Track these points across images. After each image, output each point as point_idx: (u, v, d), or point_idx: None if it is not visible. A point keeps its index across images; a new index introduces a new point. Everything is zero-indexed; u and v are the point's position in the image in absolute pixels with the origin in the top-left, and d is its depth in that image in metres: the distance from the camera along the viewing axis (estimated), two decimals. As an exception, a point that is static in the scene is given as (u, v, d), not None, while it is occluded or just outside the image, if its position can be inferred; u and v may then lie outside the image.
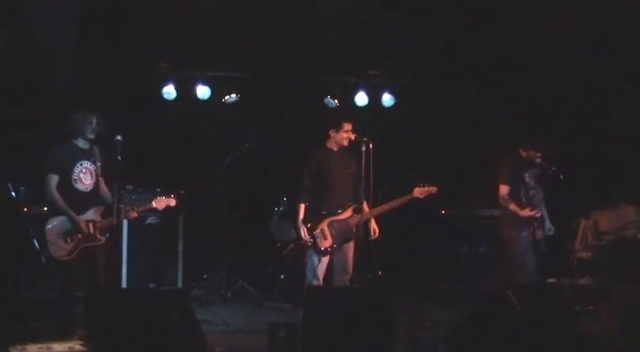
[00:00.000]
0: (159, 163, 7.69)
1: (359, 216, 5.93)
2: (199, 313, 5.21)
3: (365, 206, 5.98)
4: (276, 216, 7.87)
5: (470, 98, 8.05)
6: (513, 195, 6.50)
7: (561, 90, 7.84)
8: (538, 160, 6.54)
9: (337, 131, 6.05)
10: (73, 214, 5.53)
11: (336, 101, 8.14)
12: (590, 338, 5.36)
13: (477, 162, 7.74)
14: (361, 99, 8.25)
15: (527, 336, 4.66)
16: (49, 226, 5.53)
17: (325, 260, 5.99)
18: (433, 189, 6.09)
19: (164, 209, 5.96)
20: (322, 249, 5.94)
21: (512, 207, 6.44)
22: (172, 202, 5.93)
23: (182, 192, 6.25)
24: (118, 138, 5.57)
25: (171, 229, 7.33)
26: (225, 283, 7.45)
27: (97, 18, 6.92)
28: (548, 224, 6.63)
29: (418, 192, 6.07)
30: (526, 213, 6.38)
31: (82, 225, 5.54)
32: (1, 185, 6.68)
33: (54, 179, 5.54)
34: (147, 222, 7.19)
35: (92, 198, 5.68)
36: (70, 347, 5.17)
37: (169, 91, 7.83)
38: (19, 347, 5.10)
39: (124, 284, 6.94)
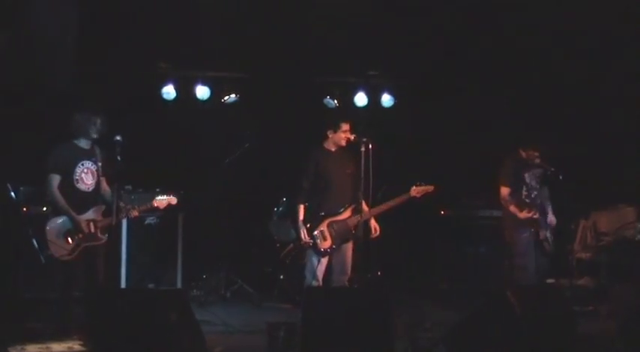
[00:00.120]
0: (158, 163, 7.68)
1: (358, 216, 5.94)
2: (198, 313, 5.21)
3: (364, 206, 5.99)
4: (276, 216, 7.87)
5: (470, 98, 8.04)
6: (514, 196, 6.50)
7: (561, 90, 7.84)
8: (537, 160, 6.55)
9: (335, 131, 6.05)
10: (74, 214, 5.53)
11: (336, 101, 8.14)
12: (589, 339, 5.36)
13: (476, 162, 7.74)
14: (361, 99, 8.24)
15: (527, 336, 4.66)
16: (50, 226, 5.53)
17: (324, 261, 6.00)
18: (430, 188, 6.11)
19: (165, 207, 5.94)
20: (322, 249, 5.95)
21: (512, 208, 6.45)
22: (174, 200, 5.92)
23: (181, 192, 6.25)
24: (118, 138, 5.57)
25: (171, 229, 7.32)
26: (224, 283, 7.44)
27: (97, 18, 6.92)
28: (550, 217, 6.60)
29: (415, 191, 6.08)
30: (524, 215, 6.38)
31: (83, 224, 5.54)
32: (1, 185, 6.68)
33: (55, 179, 5.54)
34: (146, 222, 7.18)
35: (93, 197, 5.68)
36: (69, 348, 5.17)
37: (169, 91, 7.82)
38: (19, 348, 5.10)
39: (123, 285, 6.93)
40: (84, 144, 5.66)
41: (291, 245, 7.32)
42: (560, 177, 6.48)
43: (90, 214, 5.62)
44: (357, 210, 5.97)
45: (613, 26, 7.03)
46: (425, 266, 8.11)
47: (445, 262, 8.03)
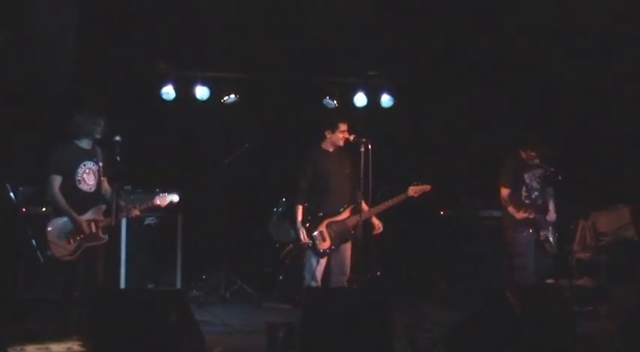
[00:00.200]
0: (158, 164, 7.67)
1: (357, 216, 5.93)
2: (198, 313, 5.22)
3: (364, 205, 5.98)
4: (275, 216, 7.87)
5: (469, 98, 8.04)
6: (514, 197, 6.49)
7: (561, 90, 7.84)
8: (536, 161, 6.55)
9: (333, 132, 6.05)
10: (75, 215, 5.53)
11: (335, 102, 8.13)
12: (589, 339, 5.36)
13: (476, 162, 7.74)
14: (360, 99, 8.23)
15: (527, 337, 4.66)
16: (51, 227, 5.53)
17: (323, 261, 6.00)
18: (427, 188, 6.10)
19: (167, 205, 5.92)
20: (321, 250, 5.95)
21: (510, 209, 6.45)
22: (175, 198, 5.90)
23: (181, 192, 6.23)
24: (117, 138, 5.56)
25: (170, 229, 7.31)
26: (224, 284, 7.44)
27: (97, 18, 6.91)
28: (551, 214, 6.58)
29: (412, 190, 6.08)
30: (521, 215, 6.37)
31: (84, 225, 5.54)
32: (0, 185, 6.68)
33: (57, 180, 5.54)
34: (145, 222, 7.18)
35: (95, 197, 5.69)
36: (68, 348, 5.17)
37: (168, 92, 7.82)
38: (18, 348, 5.10)
39: (122, 285, 6.94)
40: (85, 144, 5.66)
41: (291, 245, 7.32)
42: (560, 178, 6.48)
43: (91, 214, 5.62)
44: (356, 211, 5.96)
45: (613, 26, 7.03)
46: (424, 267, 8.11)
47: (445, 262, 8.02)
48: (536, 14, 7.03)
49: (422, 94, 8.27)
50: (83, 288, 5.51)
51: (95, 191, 5.68)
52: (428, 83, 8.16)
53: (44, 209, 6.61)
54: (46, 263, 5.89)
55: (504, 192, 6.52)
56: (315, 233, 5.93)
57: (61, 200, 5.52)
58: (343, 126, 6.03)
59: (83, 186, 5.61)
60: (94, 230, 5.58)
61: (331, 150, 6.12)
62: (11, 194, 6.55)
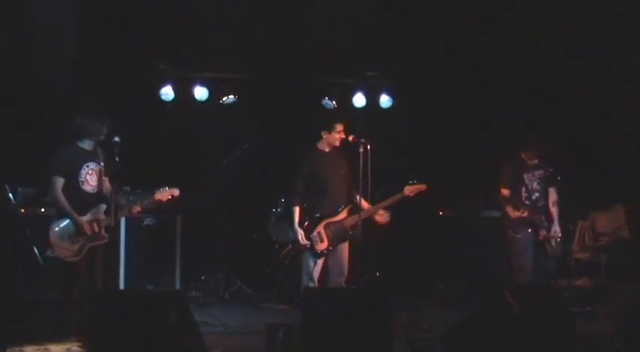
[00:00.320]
0: (156, 164, 7.66)
1: (356, 216, 5.93)
2: (197, 314, 5.22)
3: (364, 203, 5.97)
4: (274, 217, 7.85)
5: (469, 98, 8.03)
6: (514, 198, 6.48)
7: (561, 90, 7.83)
8: (535, 161, 6.54)
9: (329, 132, 6.05)
10: (77, 217, 5.53)
11: (334, 102, 8.13)
12: (587, 339, 5.37)
13: (475, 162, 7.74)
14: (359, 100, 8.22)
15: (526, 337, 4.66)
16: (54, 229, 5.53)
17: (320, 262, 6.01)
18: (422, 187, 6.09)
19: (168, 200, 5.91)
20: (318, 251, 5.95)
21: (507, 208, 6.44)
22: (176, 192, 5.87)
23: (180, 193, 6.23)
24: (116, 139, 5.57)
25: (169, 230, 7.30)
26: (223, 284, 7.44)
27: (97, 18, 6.91)
28: (554, 227, 6.55)
29: (408, 190, 6.07)
30: (516, 214, 6.37)
31: (86, 226, 5.55)
32: (-1, 186, 6.68)
33: (60, 181, 5.54)
34: (144, 223, 7.18)
35: (97, 198, 5.69)
36: (67, 349, 5.18)
37: (167, 92, 7.81)
38: (17, 349, 5.11)
39: (121, 285, 6.94)
40: (87, 145, 5.67)
41: (290, 246, 7.30)
42: (559, 178, 6.47)
43: (94, 214, 5.63)
44: (354, 211, 5.96)
45: (613, 26, 7.02)
46: (423, 267, 8.10)
47: (444, 262, 8.01)
48: (536, 14, 7.03)
49: (421, 95, 8.26)
50: (83, 288, 5.52)
51: (97, 191, 5.69)
52: (427, 83, 8.16)
53: (43, 210, 6.63)
54: (46, 264, 5.89)
55: (504, 192, 6.51)
56: (313, 234, 5.93)
57: (64, 202, 5.53)
58: (339, 127, 6.03)
59: (86, 187, 5.63)
60: (96, 229, 5.59)
61: (327, 150, 6.12)
62: (10, 195, 6.54)
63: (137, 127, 7.20)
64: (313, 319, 4.71)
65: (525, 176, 6.52)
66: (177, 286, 7.25)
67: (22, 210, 6.69)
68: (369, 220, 6.20)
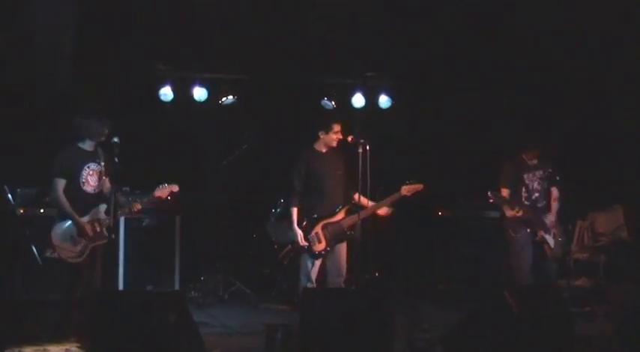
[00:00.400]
0: (156, 165, 7.65)
1: (354, 216, 5.93)
2: (196, 315, 5.22)
3: (364, 201, 5.97)
4: (273, 217, 7.84)
5: (469, 98, 8.03)
6: (514, 198, 6.48)
7: (561, 90, 7.83)
8: (535, 161, 6.54)
9: (327, 132, 6.05)
10: (78, 218, 5.54)
11: (333, 103, 8.12)
12: (586, 339, 5.37)
13: (474, 162, 7.73)
14: (358, 100, 8.21)
15: (525, 337, 4.66)
16: (56, 231, 5.54)
17: (318, 263, 6.00)
18: (419, 187, 6.08)
19: (167, 196, 5.91)
20: (316, 252, 5.95)
21: (504, 207, 6.44)
22: (175, 188, 5.87)
23: (179, 193, 6.23)
24: (115, 139, 5.57)
25: (168, 231, 7.30)
26: (222, 285, 7.43)
27: (97, 18, 6.92)
28: (550, 216, 6.54)
29: (405, 190, 6.06)
30: (511, 213, 6.37)
31: (88, 227, 5.56)
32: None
33: (61, 183, 5.55)
34: (144, 223, 7.19)
35: (98, 198, 5.71)
36: (66, 349, 5.19)
37: (166, 93, 7.80)
38: (16, 349, 5.12)
39: (120, 286, 6.94)
40: (88, 146, 5.68)
41: (289, 246, 7.29)
42: (558, 178, 6.47)
43: (93, 214, 5.63)
44: (351, 212, 5.96)
45: (613, 26, 7.02)
46: (423, 267, 8.09)
47: (443, 263, 8.01)
48: (536, 14, 7.03)
49: (420, 95, 8.26)
50: (83, 289, 5.52)
51: (98, 192, 5.71)
52: (426, 84, 8.15)
53: (42, 210, 6.63)
54: (45, 264, 5.88)
55: (504, 192, 6.51)
56: (311, 234, 5.93)
57: (65, 203, 5.54)
58: (337, 127, 6.02)
59: (87, 188, 5.64)
60: (98, 229, 5.61)
61: (324, 150, 6.12)
62: (9, 195, 6.54)
63: (136, 128, 7.19)
64: (312, 319, 4.71)
65: (525, 176, 6.52)
66: (177, 286, 7.24)
67: (22, 211, 6.70)
68: (369, 220, 6.19)
